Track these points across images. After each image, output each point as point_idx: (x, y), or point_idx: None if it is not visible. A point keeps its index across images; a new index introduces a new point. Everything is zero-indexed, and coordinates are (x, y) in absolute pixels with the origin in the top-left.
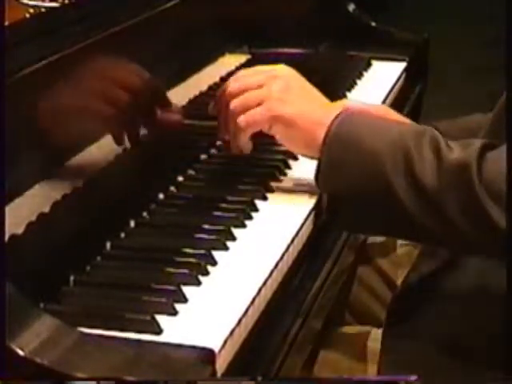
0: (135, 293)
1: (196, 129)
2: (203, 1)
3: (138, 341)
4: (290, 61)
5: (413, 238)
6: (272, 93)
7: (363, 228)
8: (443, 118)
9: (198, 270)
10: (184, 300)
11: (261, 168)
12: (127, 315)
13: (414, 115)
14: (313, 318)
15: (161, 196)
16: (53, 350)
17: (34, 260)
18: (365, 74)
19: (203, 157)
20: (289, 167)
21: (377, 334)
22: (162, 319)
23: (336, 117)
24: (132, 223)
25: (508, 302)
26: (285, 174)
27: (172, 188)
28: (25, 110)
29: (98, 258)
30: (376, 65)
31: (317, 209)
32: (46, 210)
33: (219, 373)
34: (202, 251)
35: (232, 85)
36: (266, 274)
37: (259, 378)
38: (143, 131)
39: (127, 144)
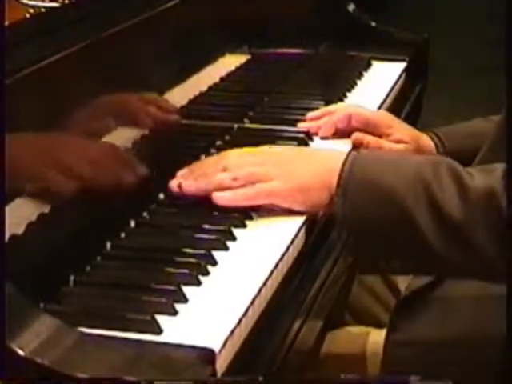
0: (135, 293)
1: (196, 129)
2: (203, 1)
3: (138, 341)
4: (290, 61)
5: (438, 271)
6: (280, 167)
7: (394, 267)
8: (443, 118)
9: (198, 269)
10: (184, 300)
11: None
12: (127, 315)
13: (414, 115)
14: (313, 318)
15: (161, 196)
16: (53, 350)
17: (34, 260)
18: (365, 74)
19: (203, 157)
20: None
21: (376, 334)
22: (161, 319)
23: (345, 159)
24: (132, 223)
25: (508, 303)
26: None
27: None
28: (25, 110)
29: (98, 258)
30: (376, 65)
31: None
32: (46, 210)
33: (219, 373)
34: (202, 251)
35: (228, 161)
36: (266, 274)
37: (259, 378)
38: (143, 131)
39: (127, 143)
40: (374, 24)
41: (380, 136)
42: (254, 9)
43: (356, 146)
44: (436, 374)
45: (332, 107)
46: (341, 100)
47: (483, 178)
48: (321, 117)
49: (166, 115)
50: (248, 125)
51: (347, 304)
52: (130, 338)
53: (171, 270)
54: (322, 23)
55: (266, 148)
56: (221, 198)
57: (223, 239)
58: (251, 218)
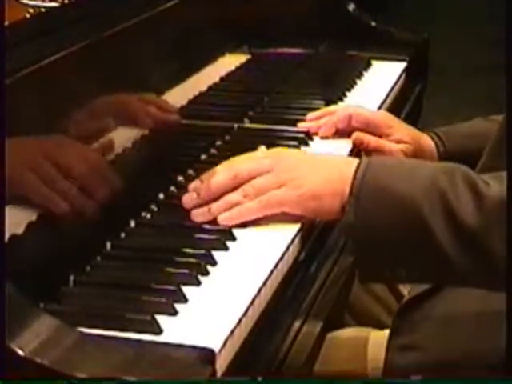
0: (135, 293)
1: (196, 129)
2: (203, 1)
3: (138, 341)
4: (290, 61)
5: (453, 281)
6: (289, 173)
7: (399, 276)
8: (443, 117)
9: (198, 269)
10: (184, 300)
11: None
12: (127, 315)
13: (414, 115)
14: (313, 318)
15: (161, 196)
16: (53, 350)
17: (34, 260)
18: (365, 74)
19: (203, 157)
20: None
21: (376, 335)
22: (161, 319)
23: (358, 166)
24: (132, 223)
25: (508, 304)
26: None
27: (172, 188)
28: (25, 110)
29: (98, 258)
30: (376, 65)
31: None
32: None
33: (219, 373)
34: (202, 251)
35: (238, 167)
36: (266, 274)
37: (259, 378)
38: (143, 131)
39: (127, 143)
40: (374, 24)
41: (380, 136)
42: (253, 9)
43: (356, 146)
44: (438, 378)
45: (332, 108)
46: (341, 100)
47: (499, 185)
48: (321, 117)
49: (165, 115)
50: (248, 125)
51: (347, 305)
52: (130, 338)
53: (171, 270)
54: (322, 23)
55: (273, 151)
56: (230, 218)
57: (223, 239)
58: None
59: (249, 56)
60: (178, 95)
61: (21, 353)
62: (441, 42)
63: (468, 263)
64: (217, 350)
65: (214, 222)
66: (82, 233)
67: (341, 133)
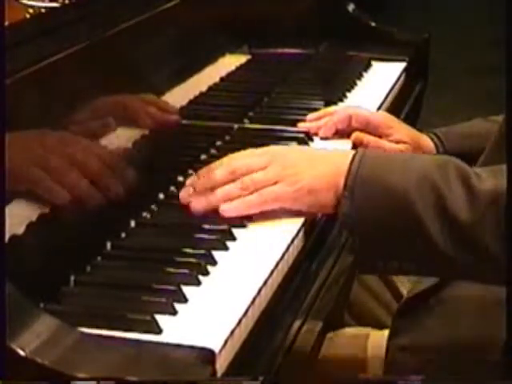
0: (135, 293)
1: (196, 129)
2: (203, 1)
3: (138, 341)
4: (290, 61)
5: (445, 274)
6: (286, 169)
7: (393, 268)
8: (443, 117)
9: (198, 269)
10: (184, 300)
11: None
12: (127, 315)
13: (414, 115)
14: (313, 318)
15: (161, 196)
16: (53, 350)
17: (34, 260)
18: (365, 74)
19: (203, 157)
20: None
21: (376, 335)
22: (162, 319)
23: (352, 159)
24: (132, 223)
25: (508, 304)
26: None
27: (172, 188)
28: (25, 110)
29: (98, 258)
30: (376, 65)
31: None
32: (46, 210)
33: (219, 373)
34: (202, 251)
35: (236, 163)
36: (266, 274)
37: (261, 378)
38: (143, 131)
39: (127, 143)
40: (373, 24)
41: (380, 136)
42: (253, 9)
43: (356, 146)
44: (438, 378)
45: (332, 108)
46: (341, 100)
47: (491, 179)
48: (321, 118)
49: (166, 115)
50: (248, 125)
51: (347, 305)
52: (130, 338)
53: (171, 270)
54: (322, 23)
55: (271, 148)
56: (228, 210)
57: (223, 239)
58: (252, 218)
59: (249, 56)
60: (178, 95)
61: (21, 353)
62: (441, 42)
63: (461, 256)
64: (217, 350)
65: (213, 222)
66: (82, 233)
67: (341, 133)
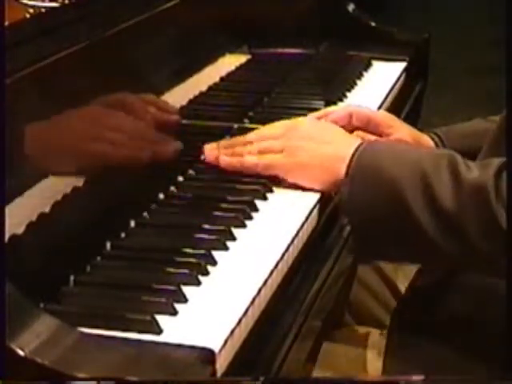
0: (135, 293)
1: (196, 129)
2: (203, 1)
3: (138, 341)
4: (290, 61)
5: (435, 263)
6: (291, 141)
7: (386, 255)
8: (443, 117)
9: (198, 269)
10: (184, 300)
11: None
12: (127, 315)
13: (414, 115)
14: (313, 317)
15: (161, 196)
16: (53, 350)
17: (34, 260)
18: (365, 74)
19: (203, 157)
20: None
21: (376, 334)
22: (161, 319)
23: (356, 149)
24: (132, 223)
25: (508, 303)
26: None
27: (172, 188)
28: (25, 110)
29: (98, 258)
30: (376, 65)
31: (322, 204)
32: (46, 210)
33: (219, 373)
34: (202, 251)
35: (254, 134)
36: (266, 274)
37: (261, 378)
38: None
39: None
40: (373, 24)
41: (380, 135)
42: (253, 9)
43: None
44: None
45: (332, 108)
46: (341, 100)
47: (478, 172)
48: (321, 118)
49: (166, 115)
50: (248, 125)
51: (347, 304)
52: (130, 338)
53: (171, 269)
54: (322, 23)
55: (289, 121)
56: (223, 161)
57: (223, 239)
58: (251, 218)
59: (249, 56)
60: (178, 95)
61: (21, 353)
62: (441, 42)
63: (449, 245)
64: (217, 350)
65: (213, 221)
66: (81, 233)
67: None
